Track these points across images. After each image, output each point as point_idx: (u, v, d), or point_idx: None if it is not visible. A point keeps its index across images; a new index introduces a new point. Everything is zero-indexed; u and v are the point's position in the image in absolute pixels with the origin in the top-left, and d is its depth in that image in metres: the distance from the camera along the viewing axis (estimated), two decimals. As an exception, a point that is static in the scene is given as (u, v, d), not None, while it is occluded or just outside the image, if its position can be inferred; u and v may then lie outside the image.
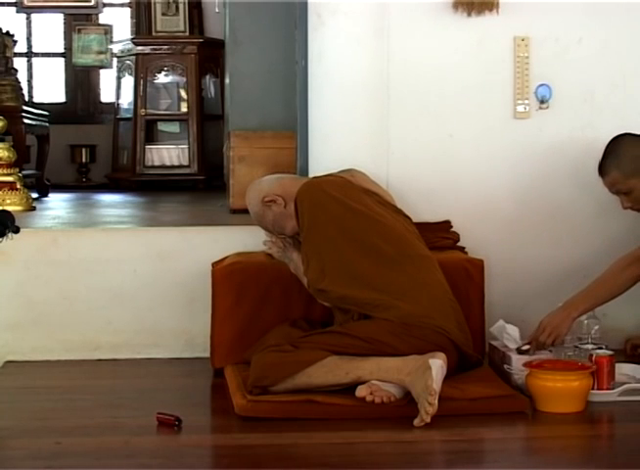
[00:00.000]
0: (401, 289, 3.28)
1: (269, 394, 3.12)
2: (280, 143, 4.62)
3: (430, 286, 3.33)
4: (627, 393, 3.22)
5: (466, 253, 3.87)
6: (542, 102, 4.00)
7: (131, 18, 8.23)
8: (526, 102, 4.00)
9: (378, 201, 3.53)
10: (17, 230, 3.29)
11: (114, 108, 7.83)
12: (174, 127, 7.56)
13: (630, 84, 4.04)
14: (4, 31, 6.89)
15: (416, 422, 2.95)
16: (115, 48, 7.78)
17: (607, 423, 3.12)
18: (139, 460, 2.72)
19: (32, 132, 6.46)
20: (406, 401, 3.06)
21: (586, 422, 3.08)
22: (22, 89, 6.48)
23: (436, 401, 2.95)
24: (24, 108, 6.28)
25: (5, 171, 5.04)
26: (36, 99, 8.16)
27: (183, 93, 7.43)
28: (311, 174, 3.87)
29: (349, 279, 3.31)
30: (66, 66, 8.30)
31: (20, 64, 7.82)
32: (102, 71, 8.33)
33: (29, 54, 8.29)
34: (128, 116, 7.50)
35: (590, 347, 3.35)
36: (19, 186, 5.04)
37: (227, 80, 5.29)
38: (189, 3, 7.82)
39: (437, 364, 3.00)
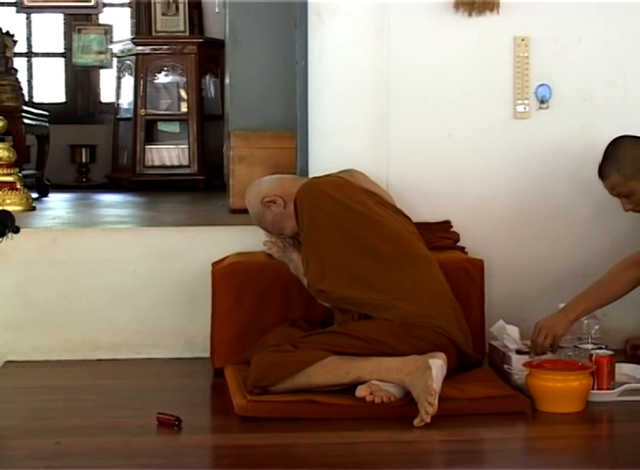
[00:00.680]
0: (401, 289, 3.28)
1: (269, 394, 3.12)
2: (280, 143, 4.62)
3: (430, 286, 3.33)
4: (627, 393, 3.22)
5: (466, 253, 3.87)
6: (542, 102, 4.00)
7: (131, 18, 8.23)
8: (526, 102, 4.00)
9: (377, 201, 3.53)
10: (17, 230, 3.29)
11: (114, 108, 7.83)
12: (174, 127, 7.56)
13: (630, 84, 4.04)
14: (4, 31, 6.88)
15: (416, 422, 2.95)
16: (115, 48, 7.78)
17: (607, 423, 3.12)
18: (139, 460, 2.72)
19: (32, 132, 6.45)
20: (406, 401, 3.06)
21: (586, 422, 3.08)
22: (22, 89, 6.48)
23: (436, 401, 2.95)
24: (24, 108, 6.28)
25: (5, 171, 5.04)
26: (36, 99, 8.16)
27: (183, 93, 7.43)
28: (311, 175, 3.87)
29: (349, 279, 3.31)
30: (66, 66, 8.30)
31: (20, 64, 7.82)
32: (102, 71, 8.33)
33: (29, 54, 8.28)
34: (128, 116, 7.50)
35: (590, 347, 3.35)
36: (19, 186, 5.04)
37: (227, 80, 5.29)
38: (189, 3, 7.82)
39: (437, 364, 3.00)
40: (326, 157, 3.93)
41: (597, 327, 3.49)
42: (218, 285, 3.63)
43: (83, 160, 7.93)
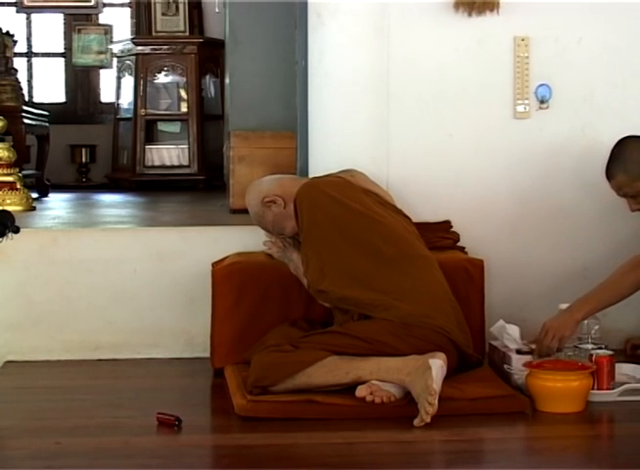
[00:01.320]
0: (401, 289, 3.28)
1: (269, 394, 3.12)
2: (280, 143, 4.62)
3: (430, 286, 3.33)
4: (627, 393, 3.22)
5: (466, 253, 3.87)
6: (542, 102, 4.00)
7: (131, 18, 8.24)
8: (526, 102, 4.00)
9: (377, 201, 3.53)
10: (17, 230, 3.29)
11: (114, 108, 7.83)
12: (174, 127, 7.56)
13: (630, 84, 4.04)
14: (4, 31, 6.89)
15: (416, 422, 2.95)
16: (115, 48, 7.78)
17: (607, 423, 3.12)
18: (139, 460, 2.71)
19: (32, 132, 6.45)
20: (406, 401, 3.06)
21: (586, 422, 3.08)
22: (22, 89, 6.48)
23: (436, 401, 2.95)
24: (24, 108, 6.28)
25: (5, 171, 5.04)
26: (36, 99, 8.16)
27: (183, 93, 7.43)
28: (311, 174, 3.87)
29: (349, 280, 3.31)
30: (66, 66, 8.30)
31: (20, 64, 7.82)
32: (102, 71, 8.33)
33: (29, 54, 8.29)
34: (128, 116, 7.50)
35: (590, 347, 3.35)
36: (19, 186, 5.04)
37: (227, 80, 5.29)
38: (189, 3, 7.83)
39: (437, 364, 3.00)
40: (326, 157, 3.93)
41: (597, 327, 3.48)
42: (218, 285, 3.63)
43: (83, 160, 7.93)
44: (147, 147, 7.33)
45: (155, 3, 7.80)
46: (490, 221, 4.00)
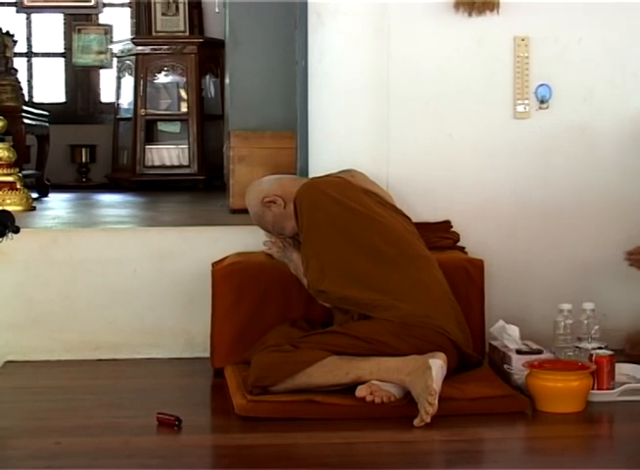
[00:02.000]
0: (401, 289, 3.28)
1: (269, 394, 3.12)
2: (280, 143, 4.62)
3: (430, 286, 3.33)
4: (627, 393, 3.22)
5: (466, 253, 3.87)
6: (542, 102, 4.00)
7: (131, 18, 8.23)
8: (526, 102, 4.00)
9: (377, 201, 3.53)
10: (17, 230, 3.28)
11: (114, 108, 7.83)
12: (174, 127, 7.57)
13: (630, 84, 4.04)
14: (4, 31, 6.89)
15: (416, 422, 2.95)
16: (115, 48, 7.78)
17: (607, 423, 3.12)
18: (139, 460, 2.72)
19: (32, 132, 6.45)
20: (406, 401, 3.06)
21: (586, 422, 3.08)
22: (22, 89, 6.48)
23: (436, 401, 2.95)
24: (24, 108, 6.28)
25: (5, 171, 5.04)
26: (36, 99, 8.16)
27: (183, 93, 7.43)
28: (311, 174, 3.87)
29: (349, 280, 3.31)
30: (66, 66, 8.30)
31: (20, 64, 7.82)
32: (102, 71, 8.33)
33: (29, 54, 8.28)
34: (128, 116, 7.50)
35: (590, 347, 3.35)
36: (19, 186, 5.04)
37: (227, 80, 5.29)
38: (189, 3, 7.82)
39: (437, 364, 3.00)
40: (326, 157, 3.93)
41: (597, 327, 3.49)
42: (218, 285, 3.63)
43: (83, 160, 7.93)
44: (147, 147, 7.33)
45: (155, 3, 7.80)
46: (490, 221, 4.00)
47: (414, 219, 3.63)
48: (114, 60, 7.92)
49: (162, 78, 7.45)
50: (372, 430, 2.94)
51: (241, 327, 3.60)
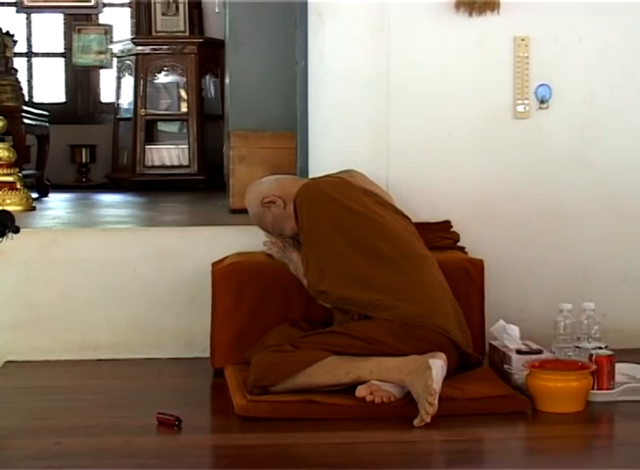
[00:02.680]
0: (401, 289, 3.28)
1: (269, 394, 3.12)
2: (280, 143, 4.62)
3: (430, 286, 3.33)
4: (627, 393, 3.22)
5: (466, 253, 3.87)
6: (542, 102, 4.00)
7: (131, 18, 8.23)
8: (526, 102, 4.00)
9: (377, 201, 3.53)
10: (17, 230, 3.28)
11: (114, 108, 7.83)
12: (174, 127, 7.57)
13: (630, 84, 4.04)
14: (4, 31, 6.89)
15: (416, 422, 2.95)
16: (115, 48, 7.78)
17: (607, 423, 3.12)
18: (139, 460, 2.71)
19: (32, 132, 6.45)
20: (406, 401, 3.06)
21: (586, 422, 3.08)
22: (22, 89, 6.48)
23: (436, 401, 2.95)
24: (24, 108, 6.28)
25: (5, 171, 5.04)
26: (36, 99, 8.16)
27: (183, 93, 7.43)
28: (311, 174, 3.88)
29: (349, 280, 3.31)
30: (66, 66, 8.30)
31: (20, 64, 7.82)
32: (102, 71, 8.33)
33: (29, 54, 8.28)
34: (128, 116, 7.50)
35: (590, 347, 3.35)
36: (19, 186, 5.04)
37: (227, 80, 5.29)
38: (189, 3, 7.83)
39: (438, 364, 3.00)
40: (326, 157, 3.93)
41: (597, 327, 3.48)
42: (218, 285, 3.63)
43: (83, 160, 7.93)
44: (147, 147, 7.33)
45: (155, 3, 7.80)
46: (490, 221, 4.00)
47: (414, 219, 3.63)
48: (114, 60, 7.92)
49: (162, 78, 7.45)
50: (372, 430, 2.94)
51: (241, 327, 3.60)
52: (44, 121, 6.74)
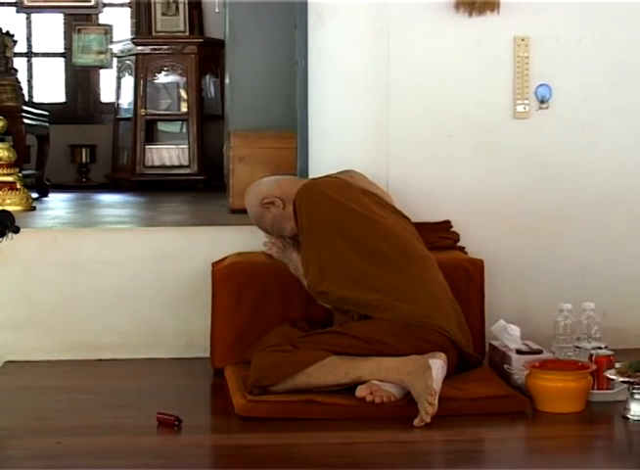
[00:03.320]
0: (401, 289, 3.28)
1: (269, 394, 3.12)
2: (280, 143, 4.62)
3: (429, 286, 3.33)
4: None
5: (466, 253, 3.87)
6: (542, 102, 4.00)
7: (131, 18, 8.23)
8: (526, 102, 4.00)
9: (377, 201, 3.53)
10: (17, 230, 3.29)
11: (114, 108, 7.83)
12: (174, 127, 7.56)
13: (630, 84, 4.04)
14: (4, 31, 6.89)
15: (416, 422, 2.95)
16: (115, 48, 7.78)
17: (607, 423, 3.11)
18: (139, 460, 2.72)
19: (32, 132, 6.45)
20: (406, 401, 3.06)
21: (586, 422, 3.08)
22: (22, 89, 6.48)
23: (436, 401, 2.95)
24: (24, 108, 6.28)
25: (5, 171, 5.04)
26: (36, 99, 8.16)
27: (183, 93, 7.43)
28: (311, 174, 3.88)
29: (349, 280, 3.31)
30: (66, 66, 8.30)
31: (20, 64, 7.82)
32: (102, 71, 8.33)
33: (29, 54, 8.28)
34: (128, 116, 7.50)
35: (590, 347, 3.35)
36: (19, 186, 5.04)
37: (227, 80, 5.29)
38: (189, 3, 7.82)
39: (437, 364, 3.00)
40: (326, 157, 3.93)
41: (597, 327, 3.48)
42: (218, 285, 3.63)
43: (83, 160, 7.93)
44: (147, 147, 7.33)
45: (155, 3, 7.80)
46: (490, 221, 4.00)
47: (414, 219, 3.63)
48: (114, 60, 7.91)
49: (162, 78, 7.45)
50: (372, 430, 2.94)
51: (241, 327, 3.60)
52: (44, 121, 6.74)
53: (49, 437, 2.89)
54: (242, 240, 3.88)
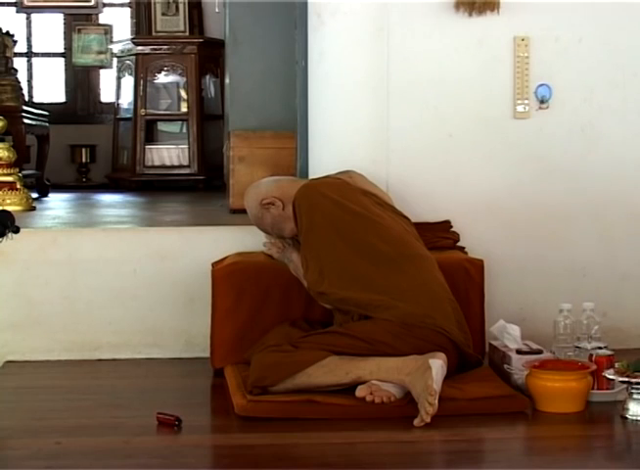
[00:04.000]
0: (401, 289, 3.28)
1: (269, 394, 3.12)
2: (280, 143, 4.62)
3: (429, 286, 3.33)
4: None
5: (466, 253, 3.87)
6: (542, 102, 4.00)
7: (131, 18, 8.24)
8: (526, 102, 4.00)
9: (376, 202, 3.53)
10: (17, 230, 3.28)
11: (114, 108, 7.83)
12: (174, 127, 7.56)
13: (630, 84, 4.04)
14: (4, 31, 6.88)
15: (416, 422, 2.95)
16: (115, 48, 7.78)
17: (607, 423, 3.11)
18: (139, 460, 2.72)
19: (32, 132, 6.45)
20: (406, 401, 3.06)
21: (586, 422, 3.08)
22: (22, 89, 6.47)
23: (437, 401, 2.95)
24: (24, 108, 6.28)
25: (5, 171, 5.04)
26: (36, 99, 8.16)
27: (183, 93, 7.43)
28: (311, 175, 3.88)
29: (349, 281, 3.31)
30: (66, 66, 8.30)
31: (20, 64, 7.82)
32: (102, 71, 8.33)
33: (29, 54, 8.28)
34: (128, 116, 7.50)
35: (590, 347, 3.35)
36: (19, 186, 5.04)
37: (227, 80, 5.29)
38: (189, 3, 7.83)
39: (438, 364, 3.00)
40: (326, 157, 3.93)
41: (597, 327, 3.48)
42: (218, 285, 3.63)
43: (83, 160, 7.93)
44: (147, 147, 7.33)
45: (155, 3, 7.80)
46: (490, 221, 4.00)
47: (414, 220, 3.63)
48: (114, 60, 7.92)
49: (162, 78, 7.45)
50: (372, 430, 2.94)
51: (241, 327, 3.60)
52: (44, 121, 6.74)
53: (49, 437, 2.89)
54: (242, 240, 3.88)
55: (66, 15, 8.29)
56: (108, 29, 8.27)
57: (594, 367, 3.18)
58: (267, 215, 3.54)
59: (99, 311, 3.89)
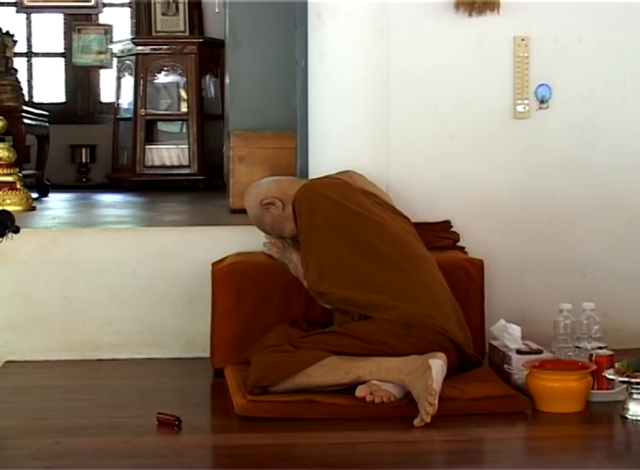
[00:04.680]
0: (401, 289, 3.28)
1: (269, 394, 3.12)
2: (280, 143, 4.62)
3: (429, 286, 3.33)
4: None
5: (466, 253, 3.87)
6: (542, 102, 4.00)
7: (131, 18, 8.24)
8: (526, 102, 4.00)
9: (376, 202, 3.53)
10: (17, 230, 3.28)
11: (114, 108, 7.83)
12: (174, 127, 7.57)
13: (630, 84, 4.04)
14: (4, 31, 6.88)
15: (416, 422, 2.95)
16: (115, 48, 7.78)
17: (607, 423, 3.11)
18: (139, 460, 2.72)
19: (32, 132, 6.46)
20: (406, 401, 3.06)
21: (586, 422, 3.08)
22: (22, 89, 6.47)
23: (437, 402, 2.95)
24: (24, 108, 6.28)
25: (5, 171, 5.05)
26: (36, 99, 8.16)
27: (183, 93, 7.43)
28: (311, 175, 3.88)
29: (349, 281, 3.31)
30: (66, 66, 8.30)
31: (20, 64, 7.82)
32: (102, 71, 8.34)
33: (29, 54, 8.29)
34: (128, 116, 7.51)
35: (590, 347, 3.35)
36: (19, 186, 5.04)
37: (227, 80, 5.29)
38: (189, 3, 7.83)
39: (438, 364, 3.00)
40: (326, 157, 3.92)
41: (597, 327, 3.48)
42: (218, 285, 3.63)
43: (83, 160, 7.94)
44: (147, 147, 7.33)
45: (155, 3, 7.81)
46: (490, 221, 4.00)
47: (414, 220, 3.63)
48: (114, 60, 7.92)
49: (162, 78, 7.45)
50: (372, 430, 2.94)
51: (241, 327, 3.60)
52: (44, 121, 6.74)
53: (48, 437, 2.89)
54: (242, 240, 3.88)
55: (66, 15, 8.30)
56: (108, 29, 8.27)
57: (594, 367, 3.18)
58: (267, 215, 3.54)
59: (99, 311, 3.89)
